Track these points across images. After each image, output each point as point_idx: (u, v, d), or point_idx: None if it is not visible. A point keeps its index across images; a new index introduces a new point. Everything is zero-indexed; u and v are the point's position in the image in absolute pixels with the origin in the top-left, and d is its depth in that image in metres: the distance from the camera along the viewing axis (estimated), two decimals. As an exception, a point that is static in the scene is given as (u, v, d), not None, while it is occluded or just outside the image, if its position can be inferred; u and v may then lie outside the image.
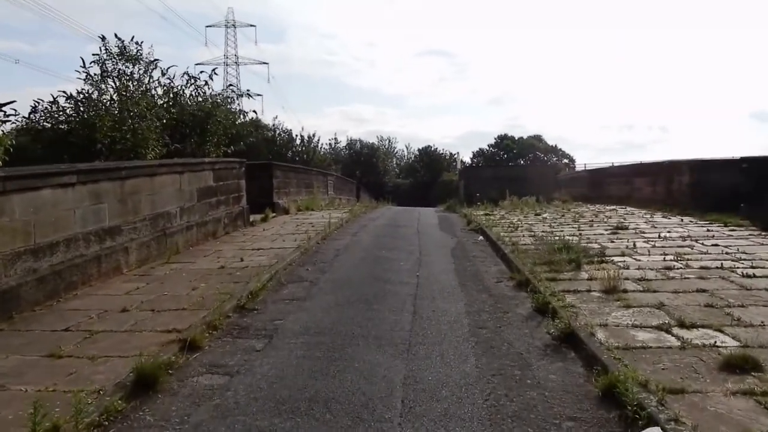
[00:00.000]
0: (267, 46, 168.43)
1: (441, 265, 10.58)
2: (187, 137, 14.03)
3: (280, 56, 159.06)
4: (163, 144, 12.65)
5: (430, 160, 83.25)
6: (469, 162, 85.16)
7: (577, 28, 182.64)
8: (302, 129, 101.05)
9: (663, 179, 20.44)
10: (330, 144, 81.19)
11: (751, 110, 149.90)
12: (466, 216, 20.10)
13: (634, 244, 11.40)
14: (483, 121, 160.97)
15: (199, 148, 14.32)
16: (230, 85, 15.72)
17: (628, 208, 20.26)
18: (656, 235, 12.73)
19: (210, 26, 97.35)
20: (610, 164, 45.44)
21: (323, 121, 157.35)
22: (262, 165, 19.96)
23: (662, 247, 11.16)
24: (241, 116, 16.27)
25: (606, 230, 14.01)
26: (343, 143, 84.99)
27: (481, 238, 14.30)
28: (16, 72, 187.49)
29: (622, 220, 15.85)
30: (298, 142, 60.37)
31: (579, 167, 57.28)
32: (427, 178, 78.64)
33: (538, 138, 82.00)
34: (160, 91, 14.00)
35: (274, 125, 61.91)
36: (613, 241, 12.13)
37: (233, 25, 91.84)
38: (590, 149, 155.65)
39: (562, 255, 9.95)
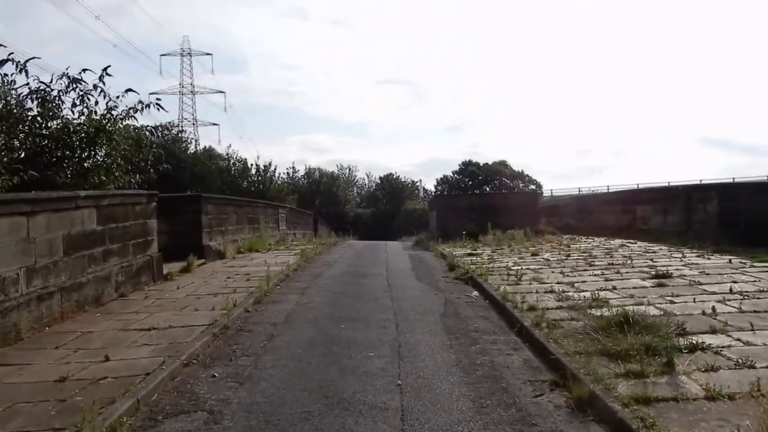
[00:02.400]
0: (226, 77, 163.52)
1: (433, 354, 6.67)
2: (58, 162, 9.86)
3: (240, 86, 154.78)
4: (8, 169, 8.46)
5: (391, 188, 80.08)
6: (433, 190, 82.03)
7: (531, 58, 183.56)
8: (257, 158, 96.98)
9: (679, 206, 17.10)
10: (288, 173, 77.25)
11: (697, 136, 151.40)
12: (444, 257, 16.32)
13: (714, 310, 7.69)
14: (443, 149, 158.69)
15: (84, 179, 10.19)
16: (129, 89, 11.30)
17: (640, 243, 16.80)
18: (725, 288, 9.09)
19: (165, 55, 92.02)
20: (591, 190, 42.62)
21: (284, 149, 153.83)
22: (188, 198, 15.88)
23: (757, 312, 7.52)
24: (149, 134, 12.01)
25: (644, 279, 10.37)
26: (301, 172, 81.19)
27: (476, 293, 10.50)
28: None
29: (651, 262, 12.28)
30: (253, 171, 56.41)
31: (546, 194, 54.59)
32: (390, 207, 75.31)
33: (503, 164, 79.45)
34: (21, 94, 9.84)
35: (228, 154, 58.00)
36: (672, 302, 8.43)
37: (189, 53, 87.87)
38: (549, 175, 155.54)
39: (627, 337, 6.18)
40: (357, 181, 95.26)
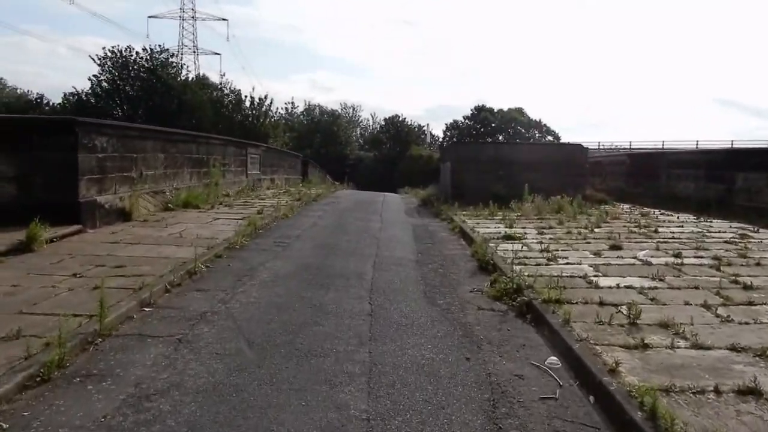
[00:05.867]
0: (232, 8, 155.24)
1: None
2: None
3: (247, 18, 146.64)
4: None
5: (397, 131, 73.44)
6: (442, 136, 75.48)
7: (541, 8, 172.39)
8: (252, 89, 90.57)
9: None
10: (286, 109, 70.78)
11: (716, 96, 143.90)
12: (468, 238, 10.60)
13: None
14: (452, 96, 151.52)
15: None
16: None
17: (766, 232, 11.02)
18: None
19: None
20: (615, 146, 36.69)
21: (290, 87, 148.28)
22: (51, 124, 9.73)
23: None
24: None
25: None
26: (300, 108, 74.49)
27: (553, 361, 4.78)
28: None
29: None
30: (248, 104, 50.26)
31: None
32: (394, 151, 68.94)
33: (519, 111, 72.89)
34: None
35: (221, 84, 51.70)
36: None
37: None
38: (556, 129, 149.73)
39: None
40: (361, 121, 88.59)
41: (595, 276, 7.37)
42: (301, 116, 74.31)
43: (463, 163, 18.21)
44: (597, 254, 8.86)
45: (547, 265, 8.06)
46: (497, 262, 8.17)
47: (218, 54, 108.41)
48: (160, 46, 52.48)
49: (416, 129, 75.84)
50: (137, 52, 49.83)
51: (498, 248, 9.17)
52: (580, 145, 19.41)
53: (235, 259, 8.21)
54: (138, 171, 11.40)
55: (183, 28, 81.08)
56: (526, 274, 7.24)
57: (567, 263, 8.18)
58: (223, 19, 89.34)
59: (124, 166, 10.80)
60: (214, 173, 15.75)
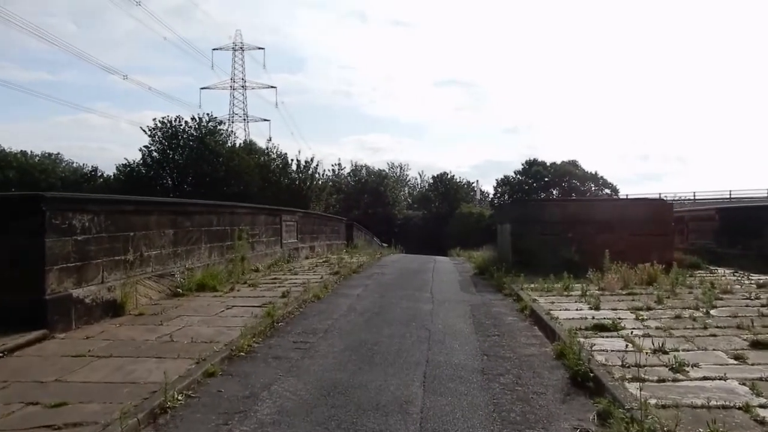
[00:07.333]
0: (283, 76, 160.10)
1: None
2: None
3: (297, 86, 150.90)
4: None
5: (445, 188, 71.49)
6: (492, 192, 73.08)
7: (591, 57, 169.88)
8: (299, 152, 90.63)
9: None
10: (333, 170, 69.70)
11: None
12: (547, 328, 8.12)
13: None
14: (499, 151, 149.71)
15: None
16: None
17: None
18: None
19: (217, 49, 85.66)
20: (677, 196, 33.98)
21: (338, 150, 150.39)
22: (6, 202, 7.91)
23: None
24: None
25: None
26: (347, 170, 73.29)
27: None
28: (37, 102, 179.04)
29: None
30: (294, 167, 49.48)
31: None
32: (443, 209, 66.88)
33: (573, 164, 69.99)
34: None
35: (268, 149, 51.24)
36: None
37: (241, 47, 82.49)
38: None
39: None
40: (409, 180, 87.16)
41: (760, 405, 4.82)
42: (348, 177, 73.09)
43: (524, 224, 15.77)
44: (739, 358, 6.26)
45: (675, 380, 5.55)
46: (599, 375, 5.71)
47: (267, 120, 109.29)
48: (208, 114, 52.68)
49: (465, 186, 73.84)
50: (186, 122, 50.12)
51: (592, 346, 6.72)
52: (662, 199, 16.84)
53: (233, 377, 5.97)
54: (136, 252, 9.43)
55: (234, 97, 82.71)
56: (651, 402, 4.78)
57: (704, 377, 5.64)
58: (272, 87, 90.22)
59: (116, 248, 8.83)
60: (239, 247, 13.77)
